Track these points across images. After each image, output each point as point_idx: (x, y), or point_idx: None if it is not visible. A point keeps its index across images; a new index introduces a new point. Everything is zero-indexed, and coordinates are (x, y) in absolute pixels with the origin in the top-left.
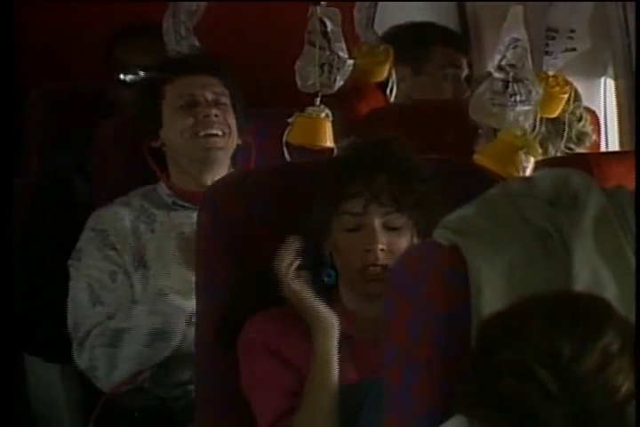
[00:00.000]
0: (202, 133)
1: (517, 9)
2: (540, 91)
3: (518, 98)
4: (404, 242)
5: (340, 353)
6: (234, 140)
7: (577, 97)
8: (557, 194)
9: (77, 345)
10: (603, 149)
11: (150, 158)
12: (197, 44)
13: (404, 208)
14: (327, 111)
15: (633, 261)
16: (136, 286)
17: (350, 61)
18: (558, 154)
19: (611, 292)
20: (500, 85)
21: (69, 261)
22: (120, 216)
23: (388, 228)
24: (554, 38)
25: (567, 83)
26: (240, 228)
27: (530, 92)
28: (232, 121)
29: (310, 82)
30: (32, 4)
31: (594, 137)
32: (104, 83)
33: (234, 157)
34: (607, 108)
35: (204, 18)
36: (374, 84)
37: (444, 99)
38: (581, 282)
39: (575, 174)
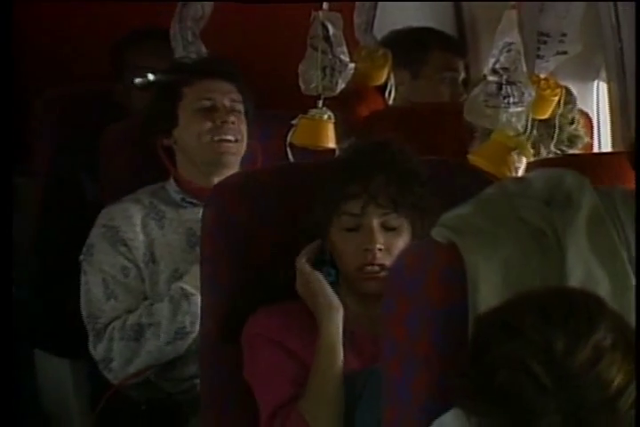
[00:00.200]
0: (217, 138)
1: (511, 13)
2: (533, 92)
3: (511, 100)
4: (401, 242)
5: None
6: (244, 146)
7: (570, 100)
8: (552, 193)
9: (94, 337)
10: (595, 150)
11: (163, 156)
12: (204, 48)
13: (402, 209)
14: (329, 113)
15: (625, 258)
16: (146, 280)
17: (352, 65)
18: (550, 156)
19: (604, 289)
20: (493, 88)
21: (81, 257)
22: (130, 213)
23: (386, 228)
24: (545, 42)
25: (558, 85)
26: (243, 226)
27: (522, 94)
28: (244, 128)
29: (313, 85)
30: (32, 5)
31: (586, 139)
32: (104, 84)
33: (241, 160)
34: (600, 110)
35: (209, 23)
36: (373, 88)
37: (442, 101)
38: (575, 279)
39: (569, 174)
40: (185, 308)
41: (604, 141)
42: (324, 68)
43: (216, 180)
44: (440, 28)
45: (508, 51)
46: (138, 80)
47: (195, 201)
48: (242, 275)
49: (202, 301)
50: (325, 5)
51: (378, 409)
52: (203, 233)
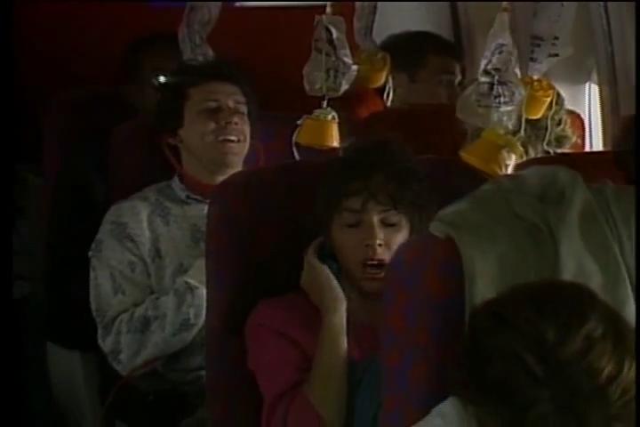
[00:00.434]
0: (221, 138)
1: (503, 16)
2: (523, 92)
3: (502, 99)
4: (400, 237)
5: None
6: (247, 146)
7: (559, 101)
8: (546, 190)
9: (102, 330)
10: (587, 150)
11: (169, 154)
12: (210, 51)
13: (401, 206)
14: (333, 113)
15: (617, 252)
16: (152, 275)
17: (355, 67)
18: (539, 155)
19: (595, 281)
20: (485, 88)
21: (90, 253)
22: (137, 210)
23: (386, 224)
24: (539, 45)
25: (550, 87)
26: (246, 223)
27: (513, 94)
28: (247, 128)
29: (317, 86)
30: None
31: (573, 139)
32: (115, 86)
33: (244, 160)
34: (591, 112)
35: (216, 27)
36: (373, 90)
37: (439, 103)
38: (568, 272)
39: (562, 171)
40: (189, 301)
41: (595, 141)
42: (327, 70)
43: (219, 178)
44: (437, 33)
45: (500, 52)
46: (156, 80)
47: (199, 198)
48: (245, 269)
49: (207, 294)
50: (329, 9)
51: (377, 395)
52: (208, 229)
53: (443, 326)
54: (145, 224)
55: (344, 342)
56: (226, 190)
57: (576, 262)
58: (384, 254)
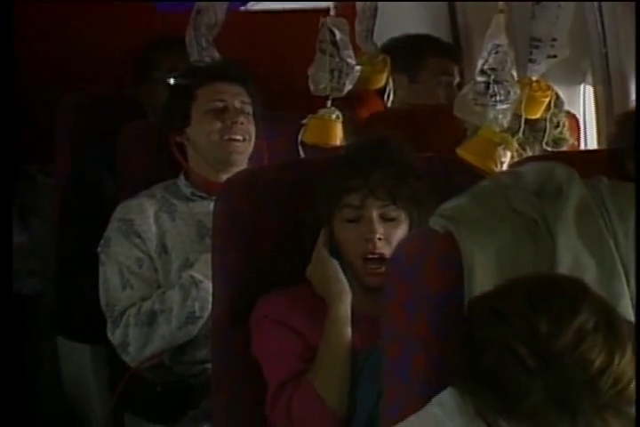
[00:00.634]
0: (226, 137)
1: (499, 17)
2: (518, 91)
3: (498, 98)
4: (399, 232)
5: None
6: (251, 145)
7: (558, 103)
8: (543, 185)
9: (111, 323)
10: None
11: (176, 151)
12: (217, 54)
13: (400, 201)
14: (337, 113)
15: (612, 246)
16: (159, 270)
17: (358, 67)
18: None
19: (591, 275)
20: (482, 87)
21: (99, 249)
22: (144, 207)
23: (385, 219)
24: (537, 47)
25: (549, 87)
26: (251, 219)
27: (508, 93)
28: (252, 128)
29: (322, 86)
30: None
31: (570, 141)
32: (124, 87)
33: (249, 158)
34: (586, 112)
35: (222, 30)
36: (374, 91)
37: (438, 103)
38: (564, 266)
39: (559, 167)
40: (194, 294)
41: (589, 141)
42: (331, 71)
43: (224, 176)
44: (436, 35)
45: (496, 52)
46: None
47: (204, 195)
48: (250, 263)
49: (213, 287)
50: (332, 12)
51: (377, 382)
52: (214, 225)
53: (442, 319)
54: (152, 221)
55: (349, 333)
56: (231, 188)
57: (572, 257)
58: (384, 249)
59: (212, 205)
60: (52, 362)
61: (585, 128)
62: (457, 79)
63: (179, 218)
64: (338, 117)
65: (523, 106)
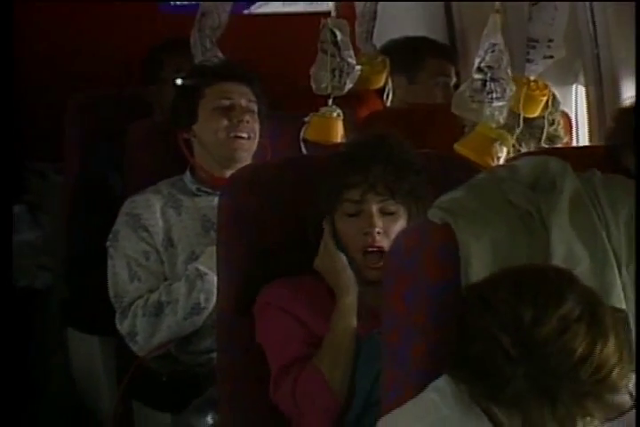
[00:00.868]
0: (232, 135)
1: (495, 17)
2: (514, 88)
3: (494, 95)
4: (398, 226)
5: None
6: (256, 143)
7: (554, 103)
8: (537, 178)
9: (120, 314)
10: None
11: (184, 147)
12: (221, 54)
13: (398, 196)
14: (338, 111)
15: (605, 237)
16: (166, 262)
17: (358, 67)
18: None
19: (584, 266)
20: (479, 84)
21: (107, 243)
22: (151, 202)
23: (384, 213)
24: (534, 47)
25: (546, 86)
26: (254, 213)
27: (504, 90)
28: (257, 126)
29: (323, 85)
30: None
31: (565, 139)
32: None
33: (253, 156)
34: (578, 111)
35: (226, 33)
36: (373, 91)
37: (435, 103)
38: (558, 256)
39: (553, 161)
40: (199, 286)
41: (581, 139)
42: (333, 70)
43: (229, 172)
44: (433, 38)
45: (493, 51)
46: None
47: (209, 190)
48: (253, 256)
49: (218, 280)
50: (333, 13)
51: (374, 366)
52: (218, 220)
53: (440, 308)
54: (158, 215)
55: (354, 323)
56: (235, 183)
57: (566, 248)
58: (383, 242)
59: (216, 200)
60: (62, 353)
61: (577, 127)
62: (454, 80)
63: (184, 212)
64: (339, 115)
65: (521, 105)
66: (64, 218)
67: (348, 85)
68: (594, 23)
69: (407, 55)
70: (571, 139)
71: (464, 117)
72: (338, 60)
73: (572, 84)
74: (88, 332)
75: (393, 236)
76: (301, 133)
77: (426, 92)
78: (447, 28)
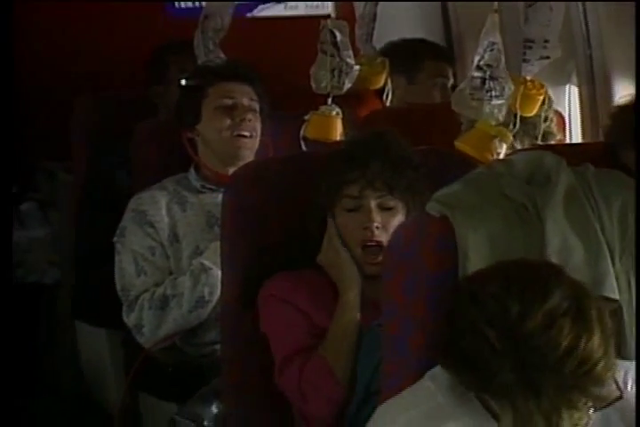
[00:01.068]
0: (235, 133)
1: (494, 17)
2: (512, 87)
3: (494, 93)
4: (396, 221)
5: None
6: (258, 141)
7: (549, 101)
8: (532, 173)
9: (127, 307)
10: None
11: (188, 146)
12: (222, 55)
13: (396, 191)
14: (337, 110)
15: (598, 229)
16: (171, 257)
17: (357, 67)
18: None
19: (578, 257)
20: (478, 82)
21: (115, 238)
22: (156, 199)
23: (383, 208)
24: (530, 48)
25: (542, 86)
26: (257, 209)
27: (503, 89)
28: (259, 125)
29: (323, 84)
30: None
31: (558, 136)
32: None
33: (255, 154)
34: (571, 111)
35: (229, 35)
36: (373, 91)
37: (434, 103)
38: (553, 248)
39: (548, 156)
40: (204, 280)
41: (574, 137)
42: (332, 70)
43: (232, 169)
44: (431, 40)
45: (491, 50)
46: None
47: (213, 187)
48: (256, 251)
49: (222, 273)
50: (333, 14)
51: (374, 356)
52: (222, 216)
53: (438, 298)
54: (164, 211)
55: (358, 315)
56: (238, 180)
57: (560, 239)
58: (381, 236)
59: (220, 197)
60: (70, 345)
61: (570, 125)
62: (451, 81)
63: (189, 209)
64: (338, 114)
65: (518, 104)
66: (73, 215)
67: (347, 85)
68: (586, 24)
69: (407, 57)
70: (564, 137)
71: (464, 115)
72: (337, 60)
73: (565, 84)
74: (96, 325)
75: (391, 230)
76: (301, 131)
77: (424, 93)
78: (444, 31)
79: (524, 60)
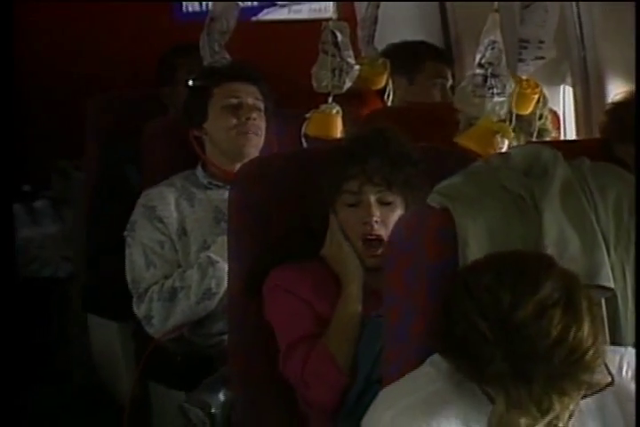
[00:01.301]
0: (241, 132)
1: (495, 16)
2: (513, 84)
3: (495, 90)
4: (395, 215)
5: None
6: (262, 139)
7: (543, 100)
8: (530, 166)
9: (137, 299)
10: None
11: (195, 144)
12: (228, 56)
13: (395, 187)
14: (338, 108)
15: (594, 220)
16: (180, 251)
17: (357, 66)
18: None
19: (574, 246)
20: (480, 80)
21: (125, 233)
22: (165, 195)
23: (382, 203)
24: (526, 48)
25: (537, 85)
26: (262, 204)
27: (504, 86)
28: (263, 124)
29: (324, 84)
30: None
31: (553, 133)
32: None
33: (260, 151)
34: (566, 110)
35: (235, 37)
36: (374, 91)
37: (433, 102)
38: (550, 238)
39: (545, 149)
40: (211, 273)
41: (569, 134)
42: (333, 70)
43: (238, 166)
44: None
45: (492, 48)
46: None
47: (219, 184)
48: (262, 244)
49: (229, 266)
50: (334, 15)
51: (374, 345)
52: (229, 211)
53: (438, 287)
54: (172, 207)
55: (360, 307)
56: (243, 177)
57: (557, 230)
58: (381, 230)
59: (227, 193)
60: (83, 337)
61: (565, 124)
62: (450, 81)
63: (198, 205)
64: (338, 112)
65: (514, 102)
66: (85, 212)
67: (348, 84)
68: (580, 25)
69: (407, 58)
70: (559, 135)
71: (466, 112)
72: (338, 59)
73: (559, 84)
74: (107, 317)
75: (391, 225)
76: (302, 129)
77: (424, 93)
78: (442, 32)
79: (520, 60)
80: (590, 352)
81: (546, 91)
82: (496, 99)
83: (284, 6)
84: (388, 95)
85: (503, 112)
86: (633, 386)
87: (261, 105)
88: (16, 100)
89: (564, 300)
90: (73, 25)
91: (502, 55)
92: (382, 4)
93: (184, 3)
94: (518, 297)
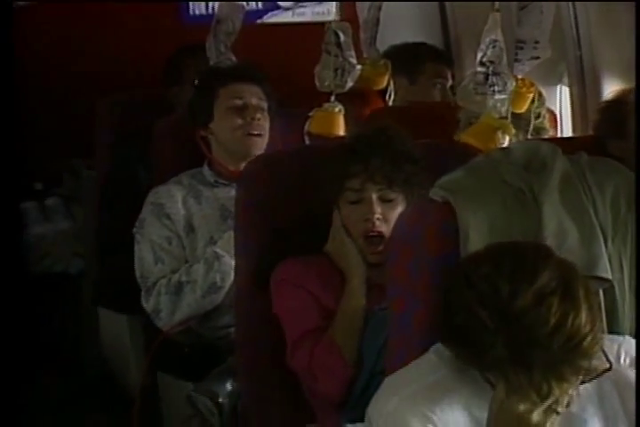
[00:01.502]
0: (246, 133)
1: (496, 15)
2: (514, 82)
3: (496, 88)
4: (397, 212)
5: None
6: (267, 138)
7: (540, 99)
8: (529, 160)
9: (145, 293)
10: None
11: (202, 144)
12: (233, 57)
13: (395, 184)
14: (340, 107)
15: (592, 213)
16: (187, 247)
17: (359, 66)
18: None
19: (573, 239)
20: (481, 77)
21: (134, 229)
22: (173, 192)
23: (384, 200)
24: (522, 48)
25: (532, 84)
26: (268, 200)
27: (505, 84)
28: (267, 123)
29: (327, 83)
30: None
31: (550, 131)
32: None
33: (265, 150)
34: (562, 109)
35: (240, 39)
36: (376, 91)
37: (433, 101)
38: (549, 230)
39: (544, 144)
40: (217, 267)
41: (565, 133)
42: (335, 69)
43: (243, 165)
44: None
45: (494, 47)
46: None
47: (225, 182)
48: (268, 239)
49: (236, 261)
50: (337, 17)
51: (378, 337)
52: (236, 208)
53: (440, 278)
54: (180, 204)
55: (363, 300)
56: (250, 173)
57: (556, 222)
58: (382, 227)
59: (233, 191)
60: (93, 331)
61: (561, 123)
62: (450, 82)
63: (204, 202)
64: (340, 111)
65: (509, 101)
66: (95, 209)
67: (349, 83)
68: (577, 26)
69: (408, 59)
70: (556, 133)
71: (467, 109)
72: (340, 59)
73: (556, 84)
74: (117, 311)
75: (392, 222)
76: (305, 127)
77: (425, 93)
78: (442, 33)
79: (516, 60)
80: (588, 339)
81: (543, 90)
82: (497, 96)
83: (288, 9)
84: (390, 95)
85: (504, 109)
86: (630, 373)
87: (265, 105)
88: (29, 100)
89: (562, 288)
90: (87, 27)
91: (503, 54)
92: (383, 5)
93: (191, 5)
94: (517, 286)
